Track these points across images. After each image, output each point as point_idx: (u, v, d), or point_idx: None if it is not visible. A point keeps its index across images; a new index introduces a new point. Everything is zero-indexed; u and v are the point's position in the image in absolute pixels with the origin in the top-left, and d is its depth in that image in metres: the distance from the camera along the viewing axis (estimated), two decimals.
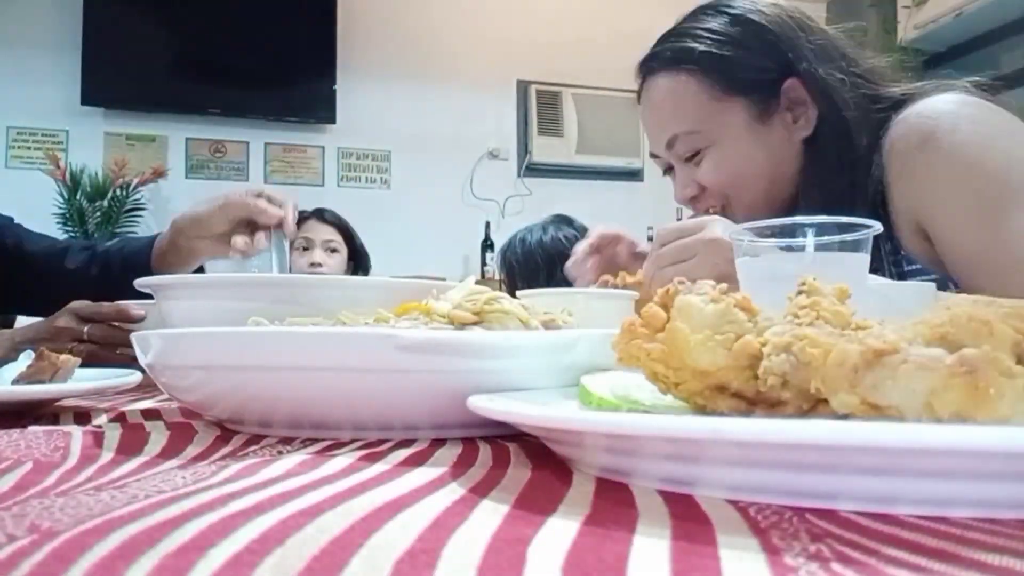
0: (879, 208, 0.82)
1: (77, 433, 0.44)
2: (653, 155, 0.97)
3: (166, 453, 0.38)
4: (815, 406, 0.30)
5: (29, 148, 3.21)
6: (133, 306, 0.94)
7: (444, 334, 0.43)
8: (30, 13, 3.27)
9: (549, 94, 3.79)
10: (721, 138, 0.89)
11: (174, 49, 3.36)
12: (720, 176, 0.90)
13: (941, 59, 3.37)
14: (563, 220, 1.85)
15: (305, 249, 2.04)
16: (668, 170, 0.97)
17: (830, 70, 0.86)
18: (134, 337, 0.48)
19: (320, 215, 2.08)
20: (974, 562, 0.20)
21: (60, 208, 3.10)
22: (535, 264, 1.76)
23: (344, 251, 2.09)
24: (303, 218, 2.00)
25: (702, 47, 0.88)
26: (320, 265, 2.01)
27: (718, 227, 0.74)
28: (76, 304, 0.94)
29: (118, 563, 0.19)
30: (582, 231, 1.78)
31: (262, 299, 0.54)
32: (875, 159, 0.84)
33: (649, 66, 0.93)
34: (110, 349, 0.92)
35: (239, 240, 0.91)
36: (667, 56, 0.91)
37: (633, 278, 0.82)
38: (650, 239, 1.02)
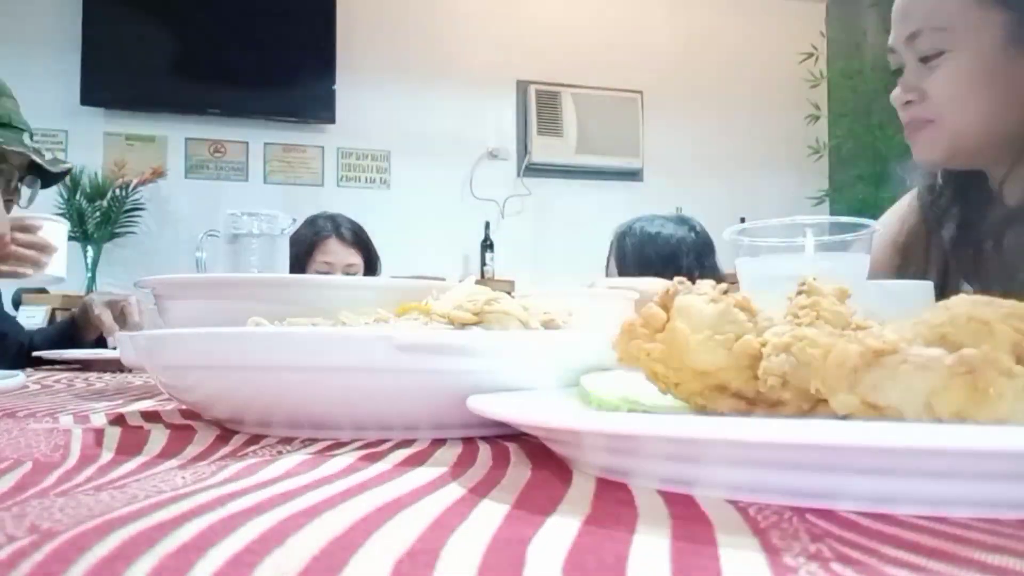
0: None
1: (77, 432, 0.44)
2: (890, 50, 0.89)
3: (166, 453, 0.38)
4: (815, 406, 0.30)
5: None
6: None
7: (444, 334, 0.43)
8: (30, 13, 3.27)
9: (549, 94, 3.80)
10: (967, 46, 0.81)
11: (174, 49, 3.36)
12: (949, 87, 0.82)
13: None
14: (683, 221, 1.88)
15: (325, 274, 1.90)
16: (896, 72, 0.89)
17: None
18: (128, 337, 0.48)
19: (339, 233, 1.94)
20: (974, 562, 0.20)
21: (60, 208, 3.10)
22: (647, 255, 1.78)
23: (362, 268, 1.98)
24: (321, 237, 1.92)
25: None
26: None
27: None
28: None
29: (118, 563, 0.19)
30: (702, 235, 1.84)
31: (262, 299, 0.54)
32: None
33: None
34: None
35: None
36: None
37: None
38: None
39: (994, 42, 0.81)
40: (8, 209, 1.42)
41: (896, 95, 0.87)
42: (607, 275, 1.84)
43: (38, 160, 1.40)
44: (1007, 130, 0.82)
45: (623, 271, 1.79)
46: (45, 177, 1.46)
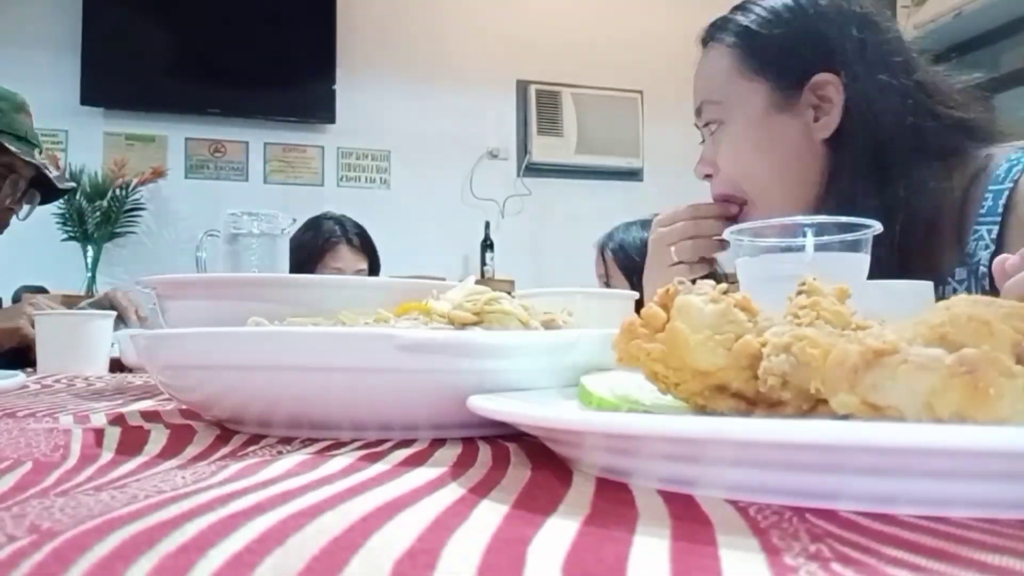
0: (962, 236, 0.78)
1: (77, 432, 0.44)
2: (696, 125, 0.98)
3: (166, 453, 0.38)
4: (815, 406, 0.30)
5: None
6: None
7: (444, 334, 0.42)
8: (30, 13, 3.27)
9: (549, 94, 3.79)
10: (737, 116, 0.89)
11: (174, 49, 3.35)
12: (728, 155, 0.89)
13: (940, 59, 3.36)
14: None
15: None
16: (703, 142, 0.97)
17: (878, 73, 0.82)
18: (128, 337, 0.48)
19: (349, 239, 1.97)
20: (974, 562, 0.20)
21: (59, 208, 3.10)
22: (631, 259, 1.79)
23: (367, 273, 2.01)
24: (331, 243, 1.94)
25: (746, 21, 0.89)
26: None
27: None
28: None
29: (118, 563, 0.19)
30: None
31: (262, 299, 0.54)
32: (972, 193, 0.79)
33: (705, 35, 0.96)
34: None
35: None
36: (717, 26, 0.93)
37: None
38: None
39: (757, 109, 0.87)
40: (7, 219, 1.46)
41: (696, 169, 0.96)
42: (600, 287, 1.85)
43: (47, 174, 1.44)
44: (791, 191, 0.87)
45: (624, 273, 1.80)
46: (46, 193, 1.49)
